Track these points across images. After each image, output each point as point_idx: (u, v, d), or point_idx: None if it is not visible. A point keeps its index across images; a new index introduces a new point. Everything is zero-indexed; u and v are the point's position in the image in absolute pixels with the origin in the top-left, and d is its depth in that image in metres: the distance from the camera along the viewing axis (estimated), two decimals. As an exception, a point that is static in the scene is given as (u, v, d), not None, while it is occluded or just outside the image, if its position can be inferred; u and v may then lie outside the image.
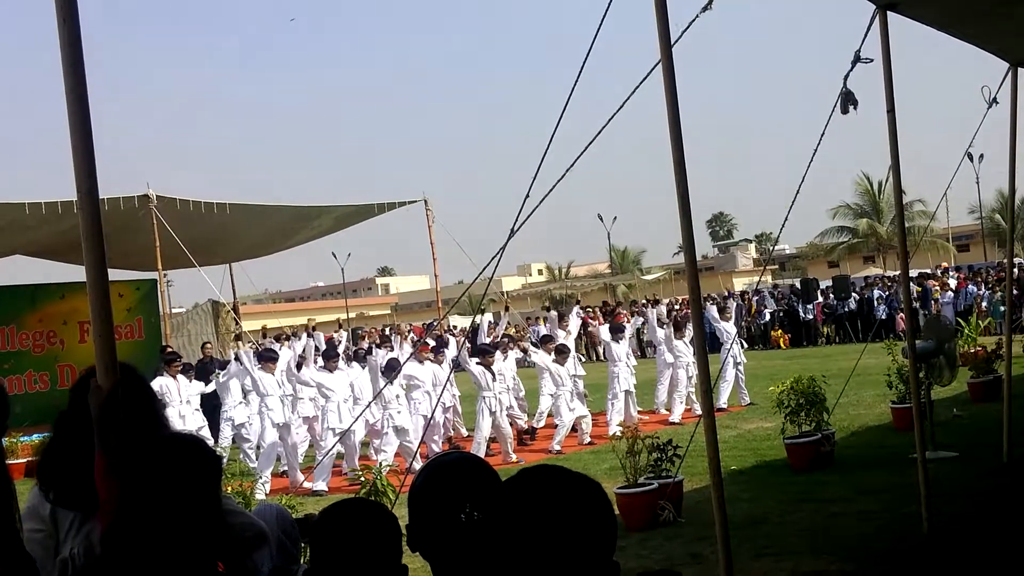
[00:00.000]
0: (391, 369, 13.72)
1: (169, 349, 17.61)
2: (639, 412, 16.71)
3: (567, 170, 6.68)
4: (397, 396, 14.03)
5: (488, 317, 22.32)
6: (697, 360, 5.91)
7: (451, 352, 16.58)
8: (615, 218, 66.24)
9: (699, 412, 16.19)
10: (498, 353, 15.45)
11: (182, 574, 2.61)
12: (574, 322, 18.23)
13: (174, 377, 14.56)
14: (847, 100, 7.90)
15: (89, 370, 3.24)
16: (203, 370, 16.83)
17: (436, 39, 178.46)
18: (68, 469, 3.08)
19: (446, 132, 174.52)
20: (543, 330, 30.89)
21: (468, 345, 16.04)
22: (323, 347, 17.05)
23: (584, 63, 6.54)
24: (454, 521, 2.24)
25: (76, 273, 20.91)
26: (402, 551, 2.50)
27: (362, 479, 9.93)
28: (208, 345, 20.48)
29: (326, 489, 13.02)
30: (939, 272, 33.95)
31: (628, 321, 21.90)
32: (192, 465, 2.81)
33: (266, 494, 12.62)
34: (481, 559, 2.22)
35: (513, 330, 35.25)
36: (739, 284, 58.86)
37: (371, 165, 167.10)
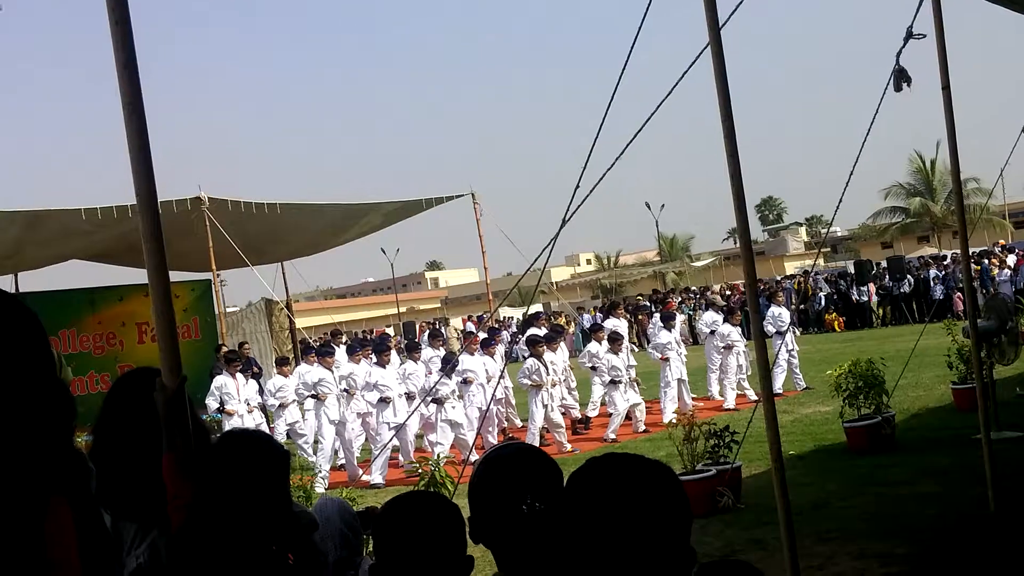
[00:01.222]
0: (447, 364, 13.78)
1: (225, 348, 17.77)
2: (693, 399, 16.62)
3: (618, 156, 6.63)
4: (453, 391, 14.06)
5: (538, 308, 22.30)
6: (755, 345, 5.82)
7: (502, 345, 16.60)
8: (663, 205, 65.99)
9: (752, 398, 16.15)
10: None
11: (257, 566, 2.63)
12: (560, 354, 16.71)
13: (233, 376, 14.69)
14: (900, 77, 7.78)
15: (121, 377, 3.25)
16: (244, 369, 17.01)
17: (483, 31, 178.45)
18: (121, 479, 2.95)
19: (492, 125, 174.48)
20: (591, 319, 30.98)
21: (519, 338, 16.03)
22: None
23: (631, 49, 6.50)
24: (515, 513, 2.23)
25: (132, 276, 21.19)
26: (466, 542, 2.49)
27: (419, 471, 9.96)
28: (246, 345, 20.65)
29: (383, 482, 13.12)
30: (997, 250, 33.36)
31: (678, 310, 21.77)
32: (263, 460, 2.83)
33: (326, 488, 12.73)
34: (545, 550, 2.22)
35: (564, 320, 35.28)
36: (790, 268, 58.32)
37: (417, 161, 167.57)
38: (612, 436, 14.79)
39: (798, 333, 22.54)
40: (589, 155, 6.57)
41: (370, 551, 3.98)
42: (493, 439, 14.62)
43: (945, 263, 31.68)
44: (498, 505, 2.27)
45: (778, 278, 38.27)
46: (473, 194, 24.91)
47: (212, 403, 14.17)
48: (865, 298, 32.09)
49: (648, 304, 36.06)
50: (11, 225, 17.65)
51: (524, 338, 15.77)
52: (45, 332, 1.75)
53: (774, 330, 17.07)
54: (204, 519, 2.62)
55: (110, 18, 2.86)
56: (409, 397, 14.32)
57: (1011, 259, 30.10)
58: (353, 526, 4.06)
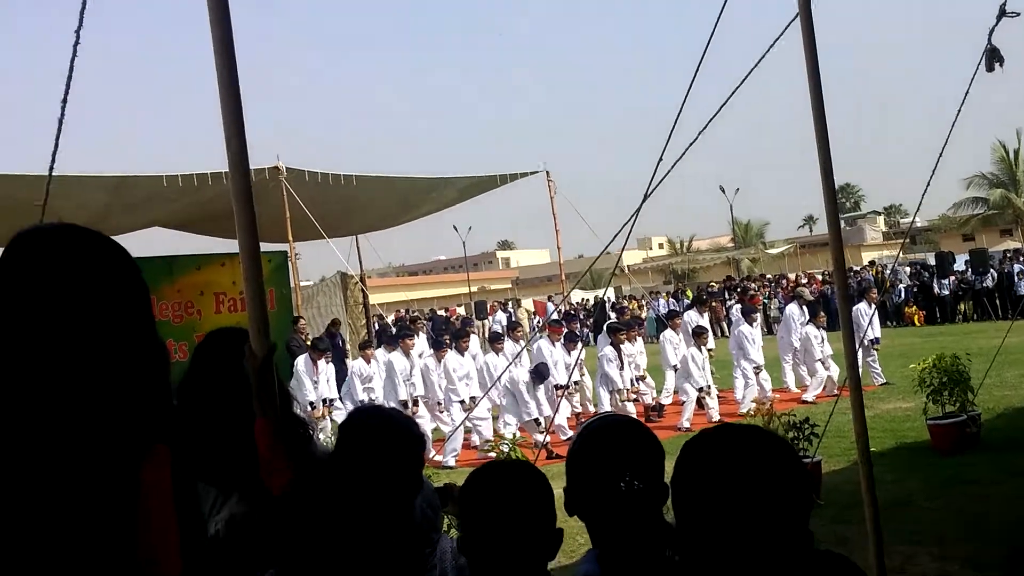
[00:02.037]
0: (538, 373, 13.74)
1: (302, 321, 17.91)
2: (772, 390, 16.36)
3: (702, 130, 6.51)
4: (526, 382, 13.96)
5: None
6: (843, 336, 5.62)
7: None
8: (737, 190, 65.09)
9: (831, 392, 15.86)
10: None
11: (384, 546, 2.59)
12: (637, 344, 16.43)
13: (315, 363, 14.72)
14: (992, 57, 7.51)
15: (208, 337, 3.22)
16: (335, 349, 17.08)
17: (560, 9, 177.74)
18: (203, 442, 2.86)
19: (567, 103, 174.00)
20: (666, 305, 30.75)
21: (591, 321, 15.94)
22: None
23: (716, 24, 6.33)
24: (614, 488, 2.16)
25: (210, 245, 21.46)
26: (555, 514, 2.40)
27: (492, 453, 9.90)
28: (302, 321, 20.69)
29: (454, 464, 13.10)
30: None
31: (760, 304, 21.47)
32: (396, 441, 2.78)
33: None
34: (642, 528, 2.13)
35: (636, 305, 35.06)
36: (867, 258, 57.32)
37: (492, 136, 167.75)
38: (687, 424, 14.63)
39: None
40: (673, 127, 6.44)
41: (446, 529, 3.93)
42: (565, 425, 14.44)
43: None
44: (595, 479, 2.20)
45: (858, 268, 37.57)
46: (547, 171, 24.79)
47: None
48: (947, 291, 31.37)
49: (721, 291, 35.68)
50: (99, 189, 17.93)
51: (605, 325, 15.62)
52: (141, 275, 1.82)
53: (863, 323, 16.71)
54: (312, 493, 2.57)
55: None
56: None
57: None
58: (433, 503, 4.01)
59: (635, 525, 2.16)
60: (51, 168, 4.66)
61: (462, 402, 14.01)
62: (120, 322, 1.69)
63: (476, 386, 14.47)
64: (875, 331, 17.52)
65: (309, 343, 15.61)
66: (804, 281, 32.64)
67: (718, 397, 15.59)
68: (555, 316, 16.47)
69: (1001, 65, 7.54)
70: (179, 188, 18.02)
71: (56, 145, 4.52)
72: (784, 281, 37.32)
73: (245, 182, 2.94)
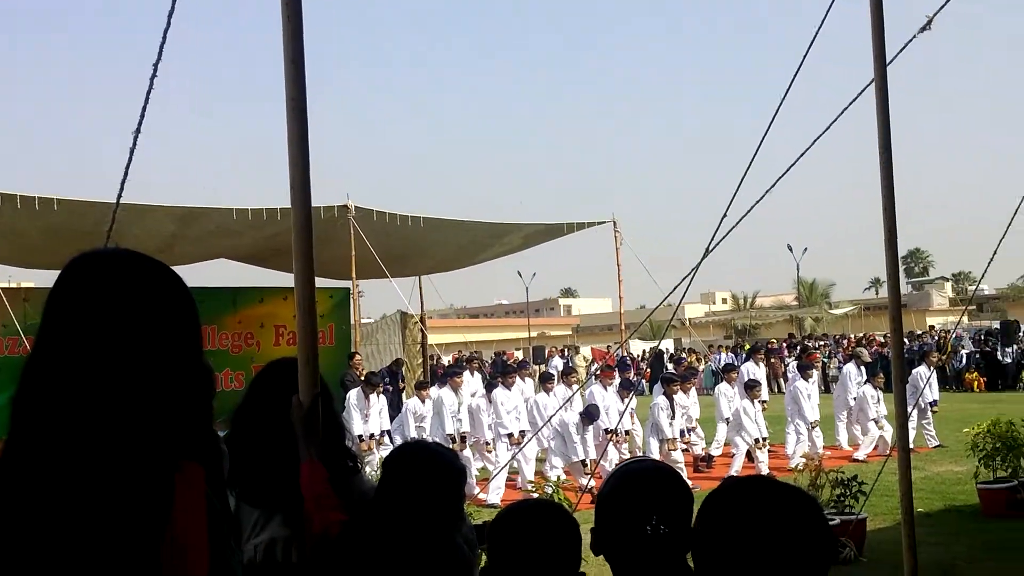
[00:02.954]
0: (588, 414, 13.86)
1: (358, 357, 18.13)
2: (824, 447, 16.25)
3: (771, 187, 6.60)
4: (576, 424, 14.03)
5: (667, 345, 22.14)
6: (895, 396, 5.65)
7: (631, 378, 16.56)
8: (805, 249, 64.51)
9: (883, 452, 15.72)
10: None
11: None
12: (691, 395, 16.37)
13: (367, 397, 14.89)
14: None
15: (269, 366, 3.36)
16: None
17: (635, 60, 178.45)
18: (251, 464, 3.01)
19: (637, 152, 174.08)
20: (724, 359, 30.60)
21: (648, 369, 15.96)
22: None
23: (790, 85, 6.46)
24: (639, 531, 2.21)
25: (274, 279, 21.78)
26: (580, 556, 2.49)
27: (536, 494, 9.99)
28: (357, 357, 20.81)
29: (499, 502, 13.17)
30: None
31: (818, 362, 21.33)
32: (439, 475, 2.85)
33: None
34: (666, 571, 2.22)
35: (694, 358, 34.93)
36: (932, 323, 56.52)
37: (558, 184, 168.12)
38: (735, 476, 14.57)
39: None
40: (740, 182, 6.55)
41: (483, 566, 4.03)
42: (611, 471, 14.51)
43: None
44: (623, 520, 2.25)
45: (919, 332, 37.14)
46: (615, 222, 24.90)
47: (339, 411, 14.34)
48: (1010, 360, 30.90)
49: (780, 347, 35.46)
50: (168, 220, 18.37)
51: (660, 376, 15.66)
52: (194, 300, 1.87)
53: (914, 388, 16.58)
54: (367, 531, 2.67)
55: (283, 14, 2.99)
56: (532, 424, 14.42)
57: None
58: (470, 539, 4.12)
59: (658, 569, 2.20)
60: (119, 196, 4.83)
61: (510, 435, 14.14)
62: (163, 344, 1.76)
63: (525, 422, 14.58)
64: (933, 394, 17.36)
65: (363, 378, 15.82)
66: (864, 342, 32.27)
67: (769, 451, 15.51)
68: (608, 362, 16.50)
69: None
70: (247, 221, 18.40)
71: (125, 174, 4.66)
72: (845, 341, 36.97)
73: (306, 214, 3.09)
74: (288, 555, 2.95)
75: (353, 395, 14.78)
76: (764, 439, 15.22)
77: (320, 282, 21.36)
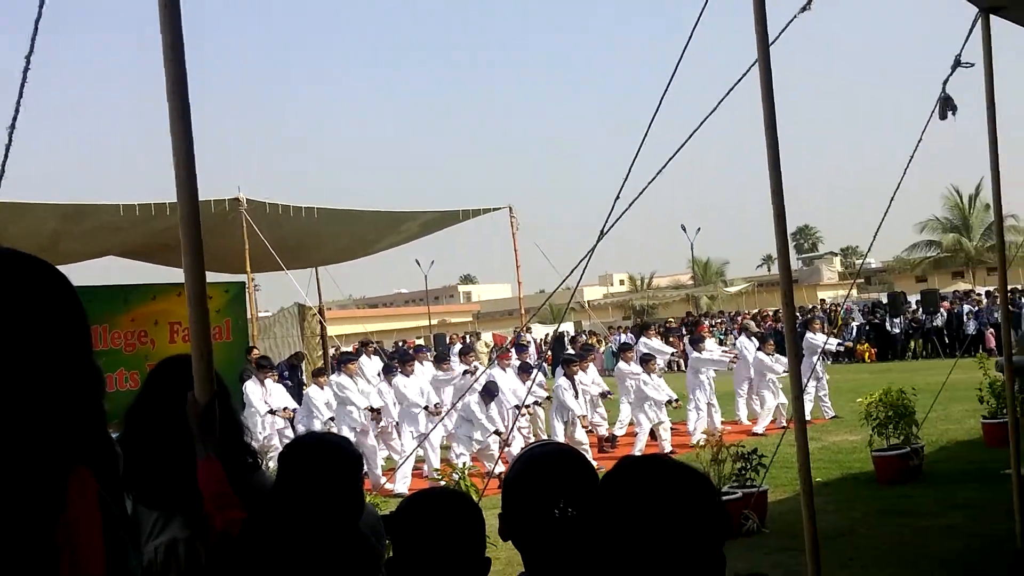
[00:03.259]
0: (487, 391, 13.83)
1: (256, 351, 17.87)
2: (722, 422, 16.57)
3: (661, 169, 6.65)
4: (478, 403, 14.10)
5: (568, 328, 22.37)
6: (790, 371, 5.78)
7: (532, 359, 16.65)
8: (698, 229, 65.69)
9: (781, 424, 16.12)
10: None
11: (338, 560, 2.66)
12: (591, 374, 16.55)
13: (262, 383, 14.76)
14: (945, 106, 7.75)
15: (161, 364, 3.29)
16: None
17: (524, 42, 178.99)
18: (148, 465, 2.97)
19: (530, 139, 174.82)
20: (624, 339, 30.94)
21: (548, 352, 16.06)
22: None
23: (676, 67, 6.51)
24: (547, 515, 2.19)
25: (167, 275, 21.32)
26: (485, 543, 2.49)
27: (443, 482, 9.97)
28: (255, 351, 20.64)
29: (406, 491, 13.13)
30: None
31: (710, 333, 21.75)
32: (336, 465, 2.85)
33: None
34: (574, 556, 2.21)
35: (595, 339, 35.24)
36: (823, 297, 58.02)
37: (455, 172, 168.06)
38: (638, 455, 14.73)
39: (828, 363, 22.40)
40: (631, 166, 6.59)
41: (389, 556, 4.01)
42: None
43: (979, 298, 31.46)
44: (530, 505, 2.22)
45: (810, 306, 38.10)
46: (511, 207, 24.97)
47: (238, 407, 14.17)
48: (898, 330, 31.89)
49: (680, 327, 36.02)
50: (50, 217, 17.84)
51: (560, 358, 15.79)
52: (79, 300, 1.80)
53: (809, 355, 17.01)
54: (267, 526, 2.63)
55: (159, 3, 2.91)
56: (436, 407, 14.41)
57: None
58: (377, 530, 4.09)
59: (567, 552, 2.17)
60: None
61: (426, 407, 14.19)
62: (47, 346, 1.68)
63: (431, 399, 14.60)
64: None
65: (254, 364, 15.64)
66: (758, 317, 33.00)
67: (671, 429, 15.74)
68: (505, 346, 16.59)
69: (954, 114, 7.75)
70: (135, 217, 17.96)
71: (2, 171, 4.53)
72: (739, 318, 37.74)
73: (193, 207, 3.01)
74: (190, 555, 2.91)
75: (248, 386, 14.58)
76: (664, 416, 15.46)
77: (215, 276, 21.09)
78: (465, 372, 15.42)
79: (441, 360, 15.67)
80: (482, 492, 8.60)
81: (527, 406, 14.66)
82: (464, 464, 10.95)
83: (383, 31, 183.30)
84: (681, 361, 31.10)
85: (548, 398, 15.93)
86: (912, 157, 8.16)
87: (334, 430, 14.36)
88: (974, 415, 13.98)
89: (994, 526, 8.46)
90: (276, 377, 15.40)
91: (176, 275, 21.11)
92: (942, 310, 31.31)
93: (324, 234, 22.53)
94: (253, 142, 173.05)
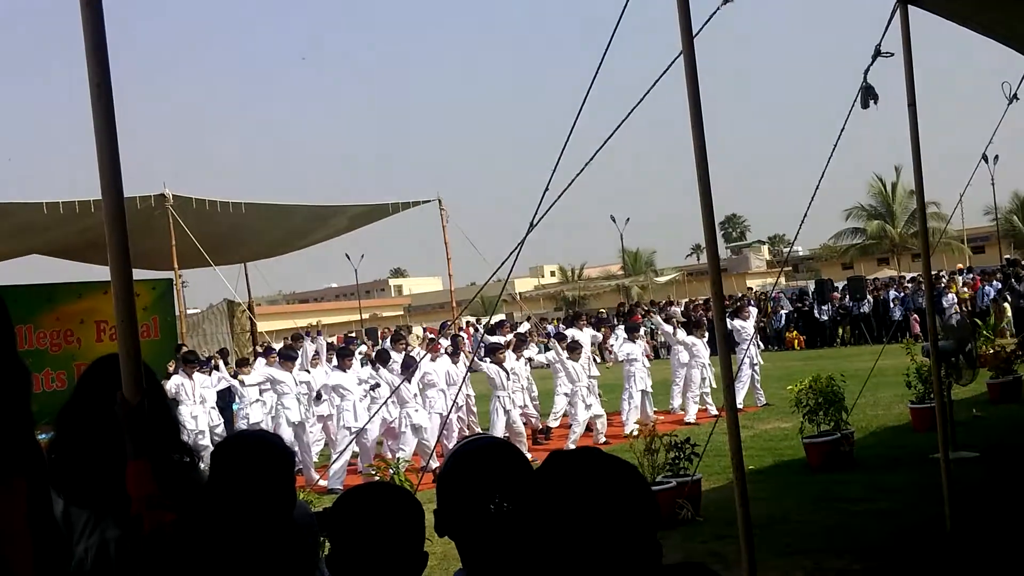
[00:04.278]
0: (407, 368, 13.74)
1: (185, 348, 17.62)
2: (655, 412, 16.67)
3: (589, 160, 6.64)
4: (415, 395, 14.04)
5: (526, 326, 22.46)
6: (720, 358, 5.82)
7: (465, 351, 16.62)
8: (628, 219, 66.09)
9: (713, 412, 16.26)
10: (510, 352, 15.47)
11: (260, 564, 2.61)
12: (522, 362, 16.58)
13: (190, 376, 14.58)
14: (867, 94, 7.84)
15: (95, 363, 3.20)
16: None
17: (450, 34, 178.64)
18: (79, 466, 2.95)
19: (459, 131, 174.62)
20: (553, 330, 31.00)
21: (482, 345, 16.02)
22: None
23: (603, 58, 6.50)
24: (483, 510, 2.17)
25: (92, 273, 20.97)
26: (424, 537, 2.45)
27: (378, 477, 9.89)
28: (185, 348, 20.44)
29: (340, 487, 13.03)
30: (957, 274, 33.86)
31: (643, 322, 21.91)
32: (269, 461, 2.81)
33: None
34: (511, 550, 2.18)
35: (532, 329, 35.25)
36: (752, 285, 58.78)
37: (385, 166, 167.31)
38: (572, 447, 14.76)
39: (760, 348, 22.66)
40: (560, 157, 6.57)
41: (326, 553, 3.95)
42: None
43: (905, 284, 32.01)
44: (465, 501, 2.20)
45: (740, 295, 38.53)
46: (440, 200, 24.90)
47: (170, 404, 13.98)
48: (826, 317, 32.35)
49: (610, 317, 36.20)
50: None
51: (486, 347, 15.74)
52: (4, 305, 1.73)
53: (737, 343, 17.20)
54: (199, 525, 2.58)
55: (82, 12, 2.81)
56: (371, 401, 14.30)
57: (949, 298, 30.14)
58: (310, 526, 4.03)
59: (504, 546, 2.14)
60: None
61: (348, 428, 14.03)
62: None
63: (359, 405, 14.46)
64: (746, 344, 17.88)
65: (180, 359, 15.46)
66: (683, 302, 33.29)
67: (606, 420, 15.80)
68: (442, 339, 16.55)
69: (875, 103, 7.85)
70: (59, 215, 17.61)
71: None
72: (670, 307, 38.02)
73: (118, 204, 2.91)
74: (122, 556, 2.86)
75: (174, 381, 14.38)
76: (595, 392, 15.56)
77: (142, 274, 20.76)
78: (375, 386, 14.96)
79: (380, 359, 15.55)
80: (416, 487, 8.55)
81: (460, 407, 14.67)
82: (398, 459, 10.89)
83: (306, 22, 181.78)
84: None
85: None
86: (836, 145, 8.24)
87: (270, 423, 14.25)
88: (902, 400, 14.22)
89: (924, 510, 8.60)
90: (207, 371, 15.20)
91: (102, 273, 20.75)
92: (869, 297, 31.79)
93: (252, 229, 22.30)
94: (178, 138, 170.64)
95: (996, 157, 44.11)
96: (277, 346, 17.85)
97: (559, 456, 1.89)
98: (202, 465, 3.36)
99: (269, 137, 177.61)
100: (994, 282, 29.36)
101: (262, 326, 25.94)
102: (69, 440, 3.02)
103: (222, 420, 15.01)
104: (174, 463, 3.05)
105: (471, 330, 32.37)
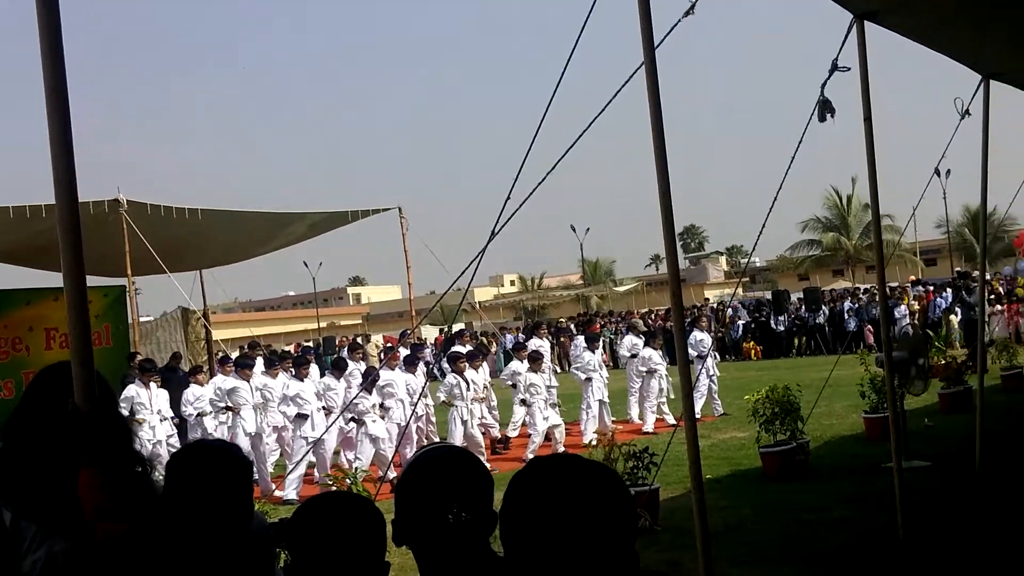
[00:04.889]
0: (367, 378, 13.70)
1: (140, 357, 17.40)
2: (613, 422, 16.72)
3: (549, 171, 6.65)
4: (373, 405, 13.96)
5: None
6: (679, 368, 5.85)
7: (424, 361, 16.58)
8: (587, 229, 66.33)
9: (671, 422, 16.32)
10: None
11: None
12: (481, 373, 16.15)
13: (147, 386, 14.39)
14: (824, 108, 7.91)
15: (43, 371, 3.16)
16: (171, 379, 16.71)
17: (413, 43, 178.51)
18: (27, 477, 2.89)
19: (419, 141, 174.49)
20: (512, 339, 31.06)
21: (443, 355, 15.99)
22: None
23: (564, 70, 6.52)
24: (441, 520, 2.16)
25: (42, 279, 20.63)
26: (385, 546, 2.44)
27: (335, 487, 9.84)
28: (178, 356, 20.29)
29: (296, 498, 12.91)
30: (909, 286, 34.25)
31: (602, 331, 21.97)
32: (226, 471, 2.79)
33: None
34: (469, 559, 2.17)
35: (486, 340, 35.25)
36: (710, 296, 59.13)
37: (344, 173, 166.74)
38: (531, 456, 14.73)
39: (717, 359, 22.82)
40: (521, 166, 6.58)
41: (282, 563, 3.92)
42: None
43: (860, 295, 32.35)
44: (424, 509, 2.19)
45: (698, 304, 38.76)
46: (400, 208, 24.81)
47: (123, 413, 13.82)
48: (782, 328, 32.63)
49: (570, 327, 36.29)
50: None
51: (446, 356, 15.71)
52: None
53: (696, 354, 17.29)
54: (154, 535, 2.55)
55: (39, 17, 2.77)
56: (327, 412, 14.20)
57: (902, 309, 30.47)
58: (264, 535, 4.00)
59: (462, 556, 2.16)
60: None
61: (321, 408, 13.92)
62: None
63: (316, 415, 14.38)
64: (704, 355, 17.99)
65: (136, 367, 15.27)
66: (637, 314, 33.47)
67: (564, 430, 15.81)
68: (400, 349, 16.50)
69: (832, 116, 7.93)
70: (9, 220, 17.33)
71: None
72: (630, 317, 38.22)
73: (72, 209, 2.87)
74: (71, 568, 2.79)
75: (129, 389, 14.20)
76: (553, 402, 15.58)
77: (94, 280, 20.46)
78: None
79: (337, 367, 15.48)
80: (375, 497, 8.51)
81: (419, 417, 14.64)
82: (356, 469, 10.84)
83: (261, 25, 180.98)
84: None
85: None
86: (793, 158, 8.31)
87: (226, 434, 14.11)
88: (856, 410, 14.36)
89: (878, 518, 8.71)
90: (160, 381, 15.02)
91: (52, 279, 20.45)
92: (824, 308, 32.11)
93: (208, 236, 22.07)
94: (132, 142, 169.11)
95: (948, 171, 44.80)
96: (234, 355, 17.71)
97: (541, 461, 1.88)
98: (156, 475, 3.32)
99: (228, 143, 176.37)
100: (945, 293, 29.71)
101: (217, 334, 25.74)
102: (17, 451, 2.95)
103: (175, 431, 14.82)
104: (127, 472, 3.01)
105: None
